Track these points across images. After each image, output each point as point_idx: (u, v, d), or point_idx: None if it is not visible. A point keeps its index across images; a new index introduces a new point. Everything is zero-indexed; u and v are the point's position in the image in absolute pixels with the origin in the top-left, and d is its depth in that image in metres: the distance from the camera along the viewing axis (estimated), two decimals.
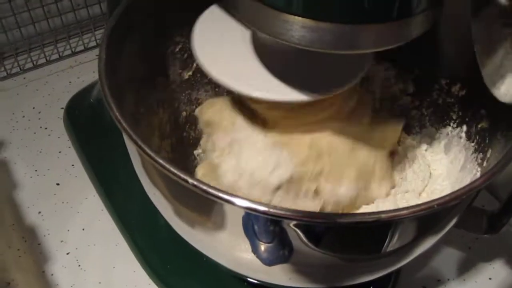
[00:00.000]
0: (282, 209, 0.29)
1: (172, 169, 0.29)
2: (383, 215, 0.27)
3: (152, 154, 0.30)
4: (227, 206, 0.31)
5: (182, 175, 0.29)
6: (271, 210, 0.29)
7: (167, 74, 0.47)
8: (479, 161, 0.41)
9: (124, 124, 0.31)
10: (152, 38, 0.44)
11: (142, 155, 0.31)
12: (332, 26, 0.28)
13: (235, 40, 0.39)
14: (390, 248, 0.34)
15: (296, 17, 0.28)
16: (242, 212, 0.31)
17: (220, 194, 0.29)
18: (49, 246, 0.52)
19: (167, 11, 0.44)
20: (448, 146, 0.47)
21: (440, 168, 0.46)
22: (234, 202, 0.29)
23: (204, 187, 0.28)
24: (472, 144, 0.44)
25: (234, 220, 0.32)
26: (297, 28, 0.28)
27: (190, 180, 0.28)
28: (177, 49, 0.47)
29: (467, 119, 0.45)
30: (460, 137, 0.46)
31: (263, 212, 0.29)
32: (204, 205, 0.32)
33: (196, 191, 0.29)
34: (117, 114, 0.31)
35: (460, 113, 0.46)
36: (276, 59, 0.38)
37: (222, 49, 0.39)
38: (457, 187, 0.38)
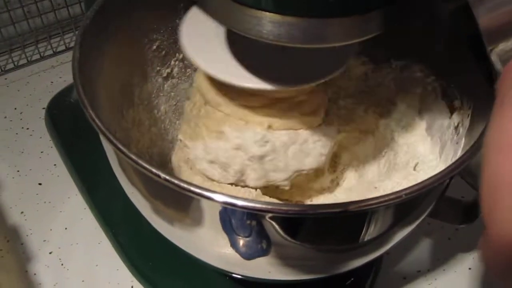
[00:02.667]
0: (256, 202, 0.29)
1: (144, 164, 0.29)
2: (351, 206, 0.28)
3: (125, 150, 0.30)
4: (202, 201, 0.31)
5: (154, 170, 0.29)
6: (246, 204, 0.29)
7: (145, 71, 0.47)
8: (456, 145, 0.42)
9: (97, 122, 0.31)
10: (128, 37, 0.44)
11: (117, 152, 0.31)
12: (299, 20, 0.28)
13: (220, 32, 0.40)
14: (366, 237, 0.34)
15: (263, 12, 0.28)
16: (218, 207, 0.31)
17: (193, 189, 0.29)
18: (32, 246, 0.52)
19: (142, 9, 0.44)
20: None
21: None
22: (210, 197, 0.29)
23: (177, 182, 0.29)
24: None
25: (211, 215, 0.32)
26: (264, 23, 0.28)
27: (162, 175, 0.29)
28: (155, 47, 0.47)
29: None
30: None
31: (239, 206, 0.29)
32: (180, 201, 0.33)
33: (169, 186, 0.29)
34: (90, 112, 0.32)
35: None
36: (253, 51, 0.39)
37: (208, 42, 0.40)
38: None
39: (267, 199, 0.43)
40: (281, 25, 0.28)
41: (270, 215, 0.31)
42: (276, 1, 0.28)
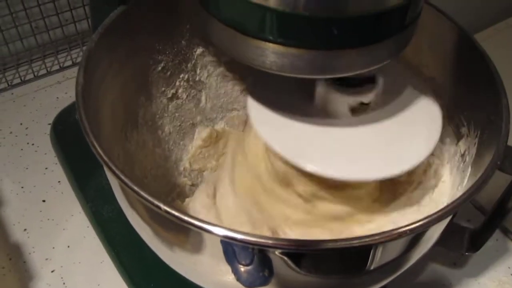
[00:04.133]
0: (260, 237, 0.29)
1: (146, 195, 0.29)
2: (354, 241, 0.27)
3: (127, 180, 0.30)
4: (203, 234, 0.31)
5: (156, 202, 0.29)
6: (249, 238, 0.29)
7: (150, 92, 0.47)
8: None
9: (99, 150, 0.31)
10: (133, 58, 0.44)
11: (119, 184, 0.31)
12: (302, 52, 0.28)
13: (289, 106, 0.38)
14: (370, 269, 0.34)
15: (267, 43, 0.28)
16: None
17: (194, 222, 0.29)
18: (34, 264, 0.51)
19: (147, 30, 0.44)
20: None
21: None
22: (211, 231, 0.29)
23: (177, 214, 0.28)
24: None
25: (212, 243, 0.32)
26: (268, 53, 0.28)
27: (163, 207, 0.28)
28: (160, 68, 0.47)
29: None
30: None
31: (241, 240, 0.29)
32: (181, 230, 0.32)
33: (169, 218, 0.29)
34: (92, 140, 0.31)
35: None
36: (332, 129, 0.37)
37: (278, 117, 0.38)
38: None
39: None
40: (284, 56, 0.28)
41: (271, 250, 0.31)
42: (280, 32, 0.27)
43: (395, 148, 0.37)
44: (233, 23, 0.28)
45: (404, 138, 0.37)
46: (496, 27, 0.80)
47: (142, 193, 0.29)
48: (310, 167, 0.35)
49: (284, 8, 0.26)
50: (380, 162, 0.36)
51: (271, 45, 0.28)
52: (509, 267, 0.53)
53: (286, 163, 0.38)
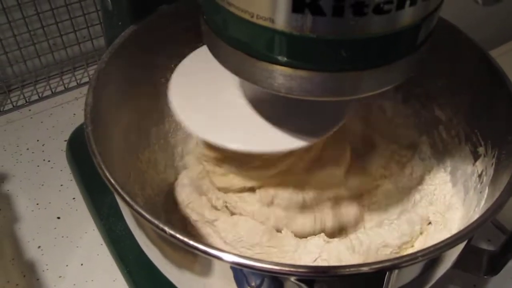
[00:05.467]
0: (264, 263, 0.28)
1: (154, 220, 0.29)
2: (363, 268, 0.27)
3: (133, 203, 0.29)
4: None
5: (162, 226, 0.28)
6: (257, 264, 0.28)
7: (162, 110, 0.47)
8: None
9: (105, 170, 0.31)
10: (145, 76, 0.44)
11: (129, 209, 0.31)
12: (311, 74, 0.27)
13: (211, 88, 0.39)
14: None
15: (275, 65, 0.27)
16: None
17: (201, 247, 0.28)
18: (48, 282, 0.51)
19: (158, 48, 0.44)
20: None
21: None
22: (220, 257, 0.28)
23: (185, 239, 0.28)
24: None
25: (221, 268, 0.32)
26: (276, 76, 0.28)
27: (177, 235, 0.28)
28: None
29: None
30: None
31: (249, 266, 0.29)
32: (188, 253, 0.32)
33: (176, 243, 0.28)
34: (101, 163, 0.31)
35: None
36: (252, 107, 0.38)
37: (199, 99, 0.38)
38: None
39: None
40: (292, 78, 0.28)
41: (278, 276, 0.30)
42: (288, 55, 0.27)
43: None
44: (240, 46, 0.28)
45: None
46: None
47: (151, 218, 0.29)
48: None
49: (291, 30, 0.26)
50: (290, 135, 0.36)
51: (278, 67, 0.27)
52: None
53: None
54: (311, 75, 0.27)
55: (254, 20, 0.26)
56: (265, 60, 0.28)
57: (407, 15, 0.26)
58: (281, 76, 0.28)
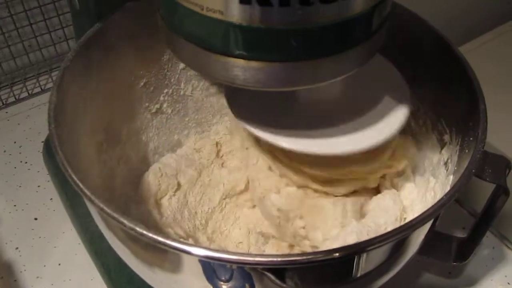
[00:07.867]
0: (237, 255, 0.29)
1: (122, 220, 0.29)
2: (319, 255, 0.27)
3: (99, 202, 0.30)
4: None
5: (134, 226, 0.28)
6: (227, 256, 0.29)
7: (133, 108, 0.47)
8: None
9: (67, 168, 0.31)
10: (113, 75, 0.44)
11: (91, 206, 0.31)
12: (264, 65, 0.27)
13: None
14: (354, 278, 0.33)
15: (228, 57, 0.28)
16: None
17: (171, 243, 0.28)
18: (25, 283, 0.51)
19: (126, 46, 0.44)
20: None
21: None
22: (190, 252, 0.29)
23: (153, 236, 0.28)
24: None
25: (191, 262, 0.32)
26: (230, 68, 0.28)
27: (139, 230, 0.28)
28: (142, 83, 0.47)
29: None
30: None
31: (219, 259, 0.29)
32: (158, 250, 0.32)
33: (145, 240, 0.29)
34: (63, 161, 0.31)
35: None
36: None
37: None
38: None
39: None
40: (246, 69, 0.28)
41: (247, 266, 0.30)
42: (239, 46, 0.27)
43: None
44: (194, 39, 0.28)
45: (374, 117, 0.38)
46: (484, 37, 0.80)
47: (120, 217, 0.29)
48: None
49: (240, 22, 0.26)
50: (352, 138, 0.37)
51: (232, 59, 0.28)
52: (505, 276, 0.52)
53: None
54: (264, 66, 0.27)
55: (205, 12, 0.26)
56: (218, 53, 0.28)
57: (355, 3, 0.26)
58: (235, 68, 0.28)
